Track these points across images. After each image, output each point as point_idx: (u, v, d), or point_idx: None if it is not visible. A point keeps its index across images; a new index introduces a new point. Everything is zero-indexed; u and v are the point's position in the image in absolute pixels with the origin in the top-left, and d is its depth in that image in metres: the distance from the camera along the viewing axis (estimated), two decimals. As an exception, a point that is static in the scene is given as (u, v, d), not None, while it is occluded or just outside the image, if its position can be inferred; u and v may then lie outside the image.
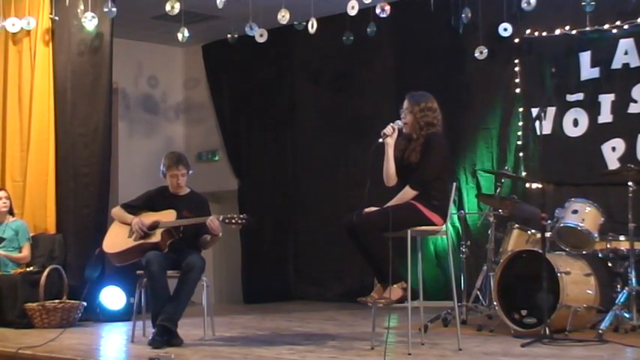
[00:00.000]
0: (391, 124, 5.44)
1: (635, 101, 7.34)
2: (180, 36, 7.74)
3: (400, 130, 5.45)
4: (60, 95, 7.94)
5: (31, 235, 7.68)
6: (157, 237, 6.06)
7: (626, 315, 6.04)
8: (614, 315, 5.96)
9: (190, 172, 6.36)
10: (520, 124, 7.98)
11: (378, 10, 7.57)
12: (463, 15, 7.66)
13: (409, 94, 5.51)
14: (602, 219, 6.32)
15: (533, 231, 6.63)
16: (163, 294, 5.94)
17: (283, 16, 7.65)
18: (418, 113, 5.39)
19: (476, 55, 7.95)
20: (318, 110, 9.64)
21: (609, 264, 6.39)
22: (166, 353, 5.36)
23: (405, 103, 5.47)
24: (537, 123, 6.85)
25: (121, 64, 8.76)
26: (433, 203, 5.33)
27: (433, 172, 5.34)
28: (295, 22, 8.05)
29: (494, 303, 6.24)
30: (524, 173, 7.80)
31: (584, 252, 6.36)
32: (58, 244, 7.74)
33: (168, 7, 7.38)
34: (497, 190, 6.93)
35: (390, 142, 5.42)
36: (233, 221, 5.95)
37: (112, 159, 8.32)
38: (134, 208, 6.31)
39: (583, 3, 7.26)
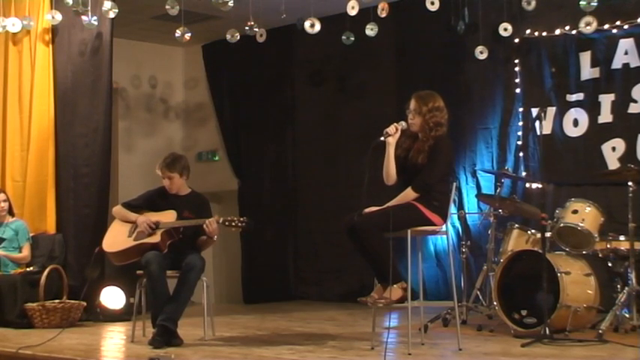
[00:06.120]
0: (395, 123, 5.42)
1: (635, 101, 7.34)
2: (178, 33, 7.71)
3: (404, 130, 5.44)
4: (60, 95, 7.94)
5: (31, 235, 7.67)
6: (156, 237, 6.04)
7: (626, 315, 6.04)
8: (614, 315, 5.96)
9: (184, 178, 6.28)
10: (520, 124, 7.97)
11: (378, 11, 7.57)
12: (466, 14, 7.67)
13: (416, 94, 5.47)
14: (602, 219, 6.32)
15: (533, 231, 6.63)
16: (163, 294, 5.93)
17: (283, 17, 7.65)
18: (427, 114, 5.36)
19: (476, 55, 7.95)
20: (318, 110, 9.63)
21: (609, 264, 6.38)
22: (166, 353, 5.36)
23: (412, 104, 5.43)
24: (537, 123, 6.85)
25: (121, 64, 8.75)
26: (433, 204, 5.34)
27: (438, 176, 5.34)
28: (297, 20, 8.02)
29: (494, 303, 6.24)
30: (524, 173, 7.80)
31: (584, 252, 6.36)
32: (58, 244, 7.74)
33: (168, 7, 7.38)
34: (498, 190, 6.93)
35: (392, 142, 5.41)
36: (233, 224, 5.94)
37: (112, 159, 8.32)
38: (135, 207, 6.29)
39: (582, 3, 7.25)
